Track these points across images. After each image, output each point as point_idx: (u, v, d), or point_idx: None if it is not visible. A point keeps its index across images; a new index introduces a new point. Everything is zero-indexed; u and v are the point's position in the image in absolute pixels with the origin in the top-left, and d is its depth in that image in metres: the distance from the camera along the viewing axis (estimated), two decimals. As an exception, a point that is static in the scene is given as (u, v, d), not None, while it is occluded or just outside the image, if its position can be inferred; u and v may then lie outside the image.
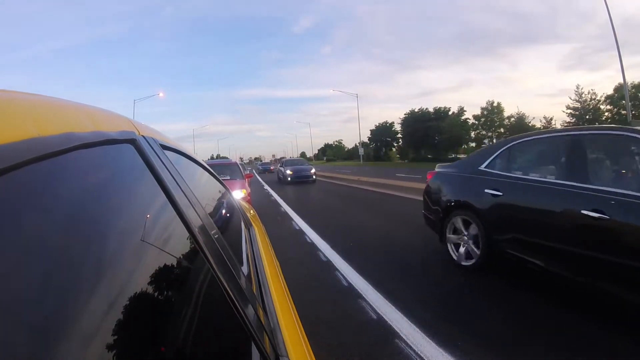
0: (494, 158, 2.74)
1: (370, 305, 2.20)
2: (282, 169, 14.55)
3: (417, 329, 1.88)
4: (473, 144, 39.58)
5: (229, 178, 5.56)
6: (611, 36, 13.29)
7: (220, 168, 6.00)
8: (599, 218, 1.84)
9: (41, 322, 0.21)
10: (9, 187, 0.24)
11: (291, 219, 5.50)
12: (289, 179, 13.08)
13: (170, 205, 0.51)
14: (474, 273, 2.67)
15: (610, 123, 25.35)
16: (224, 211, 1.14)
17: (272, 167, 27.55)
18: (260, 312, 0.63)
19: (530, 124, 30.89)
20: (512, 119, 32.55)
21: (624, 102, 16.91)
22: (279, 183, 14.02)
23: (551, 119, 30.44)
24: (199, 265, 0.52)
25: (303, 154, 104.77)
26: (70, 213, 0.30)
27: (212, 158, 41.37)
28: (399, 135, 52.13)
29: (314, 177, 13.38)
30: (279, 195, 9.38)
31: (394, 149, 56.18)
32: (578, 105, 26.89)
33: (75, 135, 0.35)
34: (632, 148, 1.98)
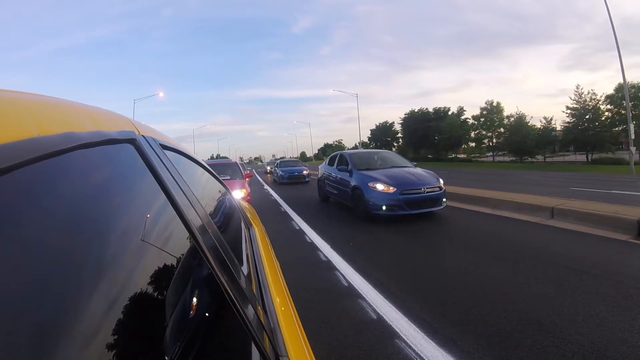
0: None
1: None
2: (369, 182, 4.90)
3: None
4: (473, 144, 39.59)
5: (229, 178, 5.57)
6: (611, 36, 13.32)
7: (220, 168, 6.01)
8: None
9: (41, 322, 0.21)
10: (9, 187, 0.24)
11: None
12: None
13: (170, 205, 0.50)
14: None
15: (610, 123, 25.40)
16: (224, 211, 1.14)
17: (305, 172, 13.96)
18: (260, 312, 0.63)
19: (530, 124, 30.73)
20: (512, 119, 32.42)
21: (624, 102, 16.86)
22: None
23: (551, 119, 30.32)
24: (199, 265, 0.52)
25: (303, 154, 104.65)
26: (70, 213, 0.30)
27: (212, 158, 41.33)
28: (399, 135, 52.18)
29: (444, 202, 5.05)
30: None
31: (394, 149, 56.25)
32: (578, 105, 26.80)
33: (76, 135, 0.35)
34: None
